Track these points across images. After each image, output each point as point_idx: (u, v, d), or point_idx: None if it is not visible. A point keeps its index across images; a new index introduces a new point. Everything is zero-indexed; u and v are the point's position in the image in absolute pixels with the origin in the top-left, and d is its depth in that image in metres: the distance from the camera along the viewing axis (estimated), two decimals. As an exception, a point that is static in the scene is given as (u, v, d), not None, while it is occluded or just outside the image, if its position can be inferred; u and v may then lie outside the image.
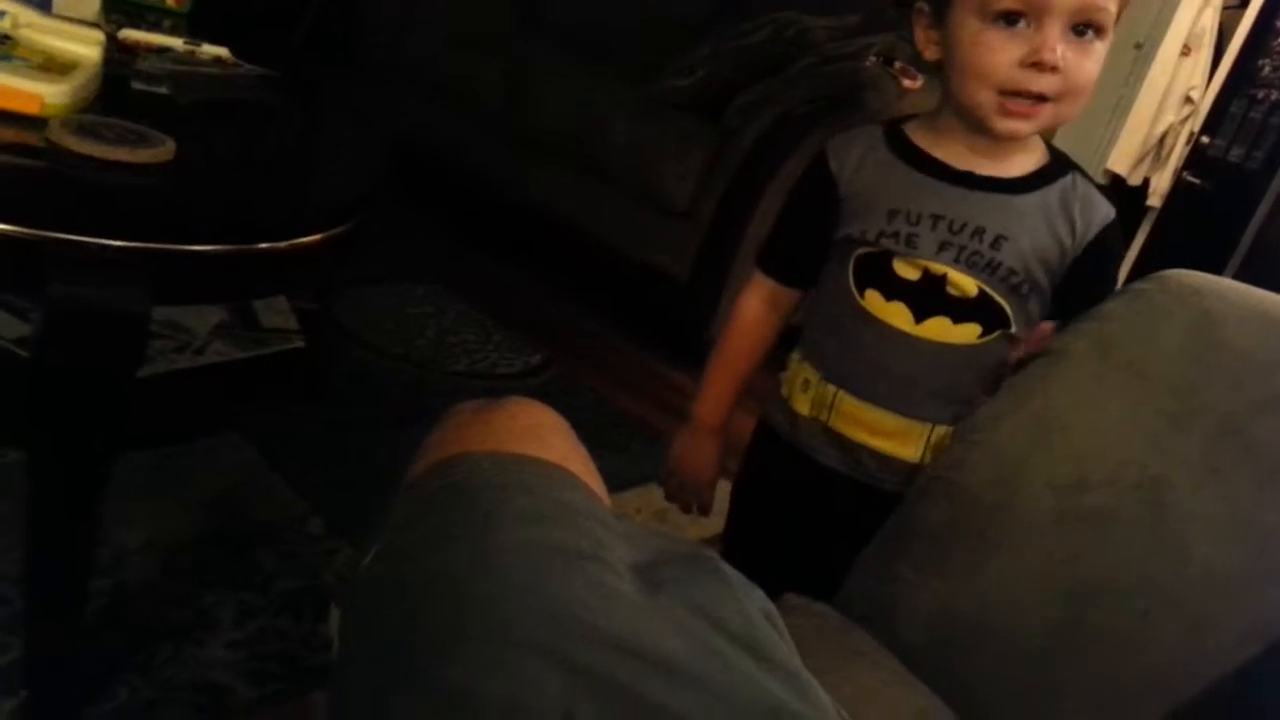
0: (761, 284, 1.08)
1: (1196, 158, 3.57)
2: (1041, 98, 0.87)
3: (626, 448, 1.93)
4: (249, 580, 1.29)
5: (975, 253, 0.93)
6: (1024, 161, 0.96)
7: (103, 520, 0.97)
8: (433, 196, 2.94)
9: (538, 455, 0.64)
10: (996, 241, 0.93)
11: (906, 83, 2.23)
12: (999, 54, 0.86)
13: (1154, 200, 3.50)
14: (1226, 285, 0.93)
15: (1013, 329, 0.96)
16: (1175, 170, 3.50)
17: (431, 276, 2.43)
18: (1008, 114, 0.89)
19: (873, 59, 2.28)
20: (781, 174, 2.25)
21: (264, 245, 1.01)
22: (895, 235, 0.94)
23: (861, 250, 0.97)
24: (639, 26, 3.13)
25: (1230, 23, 3.47)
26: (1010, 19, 0.86)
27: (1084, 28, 0.86)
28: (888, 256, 0.95)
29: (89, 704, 1.05)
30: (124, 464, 0.99)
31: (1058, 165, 0.97)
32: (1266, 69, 3.67)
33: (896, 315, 0.96)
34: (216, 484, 1.45)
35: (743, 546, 1.11)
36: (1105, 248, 0.97)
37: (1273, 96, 3.70)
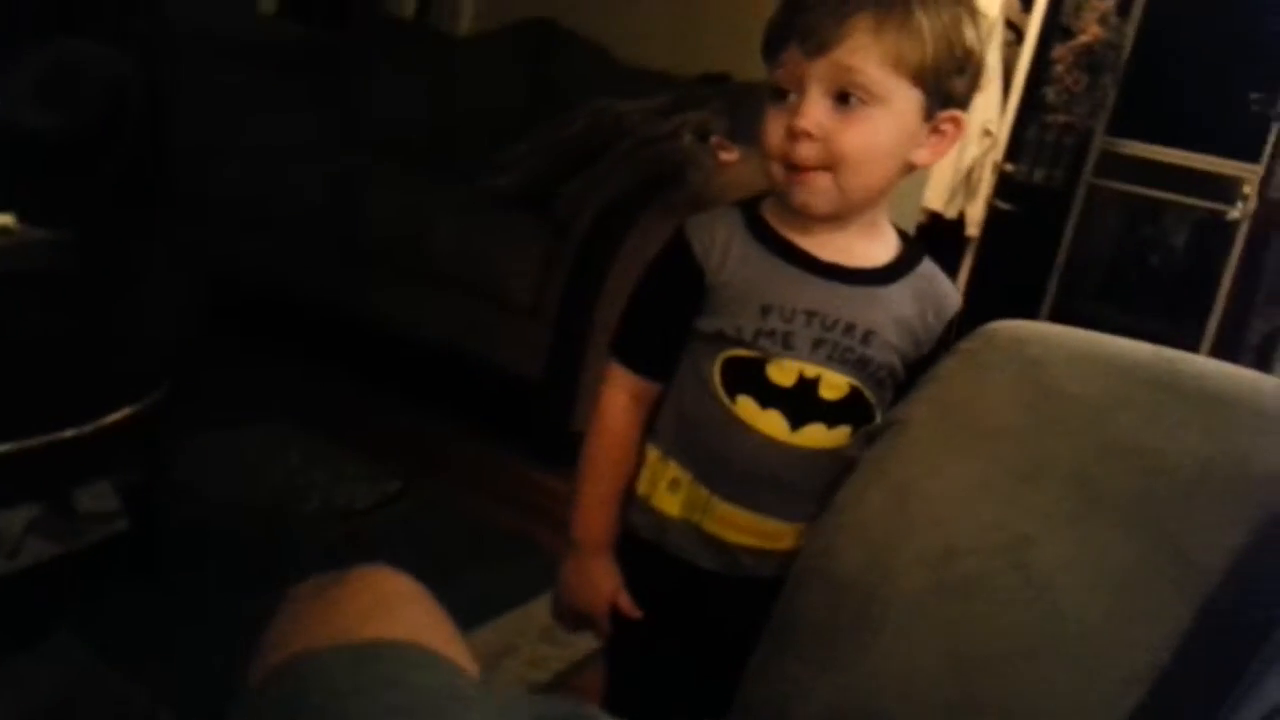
0: (622, 378, 1.00)
1: (1004, 184, 3.80)
2: (807, 166, 0.89)
3: (502, 562, 1.85)
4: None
5: (847, 349, 0.92)
6: (882, 249, 0.97)
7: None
8: (268, 326, 2.83)
9: (387, 636, 0.59)
10: (866, 337, 0.93)
11: (723, 155, 2.27)
12: (772, 126, 0.90)
13: (972, 230, 3.70)
14: (1050, 330, 0.95)
15: (877, 422, 0.95)
16: (986, 199, 3.71)
17: (274, 411, 2.33)
18: (790, 185, 0.91)
19: (688, 136, 2.33)
20: (621, 259, 2.26)
21: (69, 432, 0.93)
22: (772, 334, 0.91)
23: (731, 353, 0.93)
24: (458, 123, 3.13)
25: (1011, 57, 3.75)
26: (780, 95, 0.90)
27: (845, 95, 0.87)
28: (761, 361, 0.92)
29: None
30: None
31: (913, 251, 0.98)
32: (1050, 95, 3.98)
33: (772, 424, 0.93)
34: (51, 694, 1.31)
35: (626, 664, 1.06)
36: (949, 339, 0.98)
37: (1060, 119, 4.02)
